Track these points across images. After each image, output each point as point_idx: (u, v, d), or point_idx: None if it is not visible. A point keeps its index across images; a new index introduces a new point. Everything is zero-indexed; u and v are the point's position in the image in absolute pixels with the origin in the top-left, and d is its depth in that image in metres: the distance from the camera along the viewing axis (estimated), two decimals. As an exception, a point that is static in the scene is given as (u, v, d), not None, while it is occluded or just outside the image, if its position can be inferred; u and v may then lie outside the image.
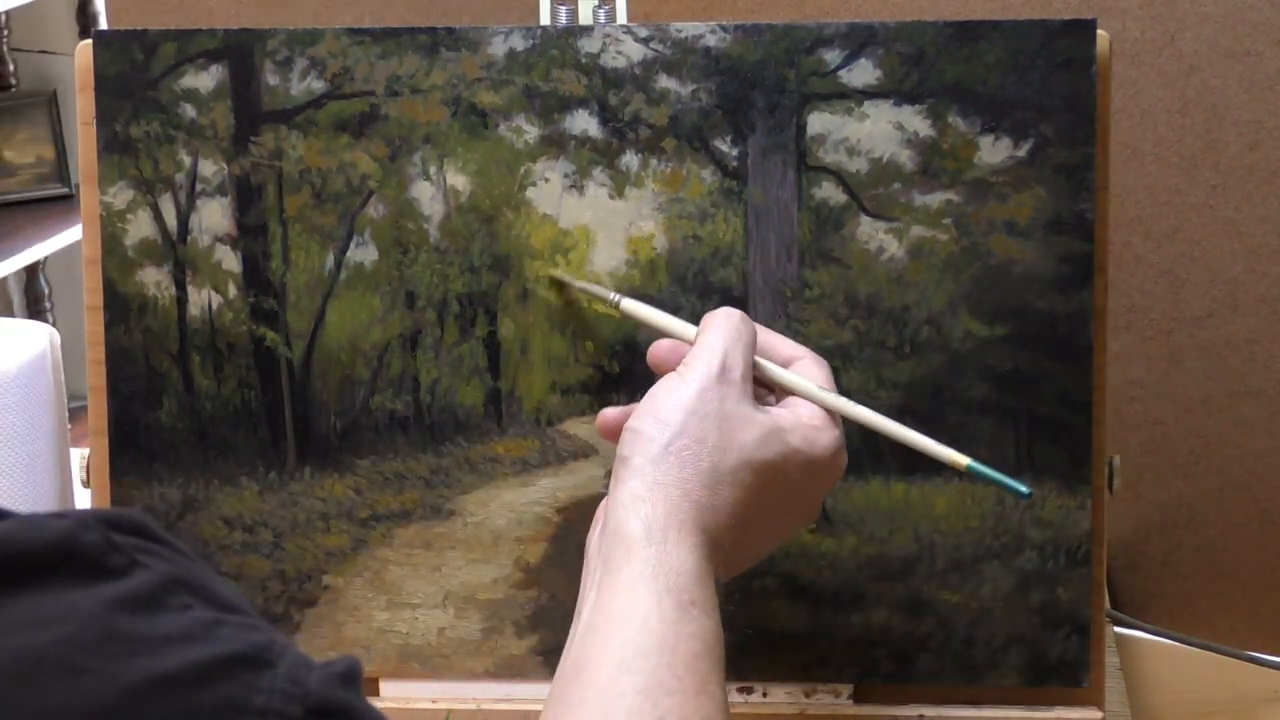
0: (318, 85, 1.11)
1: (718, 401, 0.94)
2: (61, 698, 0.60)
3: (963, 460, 0.96)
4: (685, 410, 0.94)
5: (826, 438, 0.96)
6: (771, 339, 1.01)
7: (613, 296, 1.08)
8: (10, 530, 0.64)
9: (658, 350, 1.01)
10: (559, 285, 1.11)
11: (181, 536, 1.13)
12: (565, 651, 0.92)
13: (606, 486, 0.98)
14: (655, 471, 0.93)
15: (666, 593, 0.89)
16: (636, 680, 0.87)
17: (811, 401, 0.97)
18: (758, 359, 0.99)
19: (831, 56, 1.09)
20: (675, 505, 0.92)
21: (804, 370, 0.99)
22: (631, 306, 1.07)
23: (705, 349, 0.96)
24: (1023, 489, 0.95)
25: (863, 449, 1.10)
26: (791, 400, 0.98)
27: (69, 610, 0.62)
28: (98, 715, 0.60)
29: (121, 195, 1.13)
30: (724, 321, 0.98)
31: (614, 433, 0.98)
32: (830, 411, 0.97)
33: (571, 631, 0.93)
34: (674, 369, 0.97)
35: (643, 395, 0.96)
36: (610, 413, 1.00)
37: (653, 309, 1.06)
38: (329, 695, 0.65)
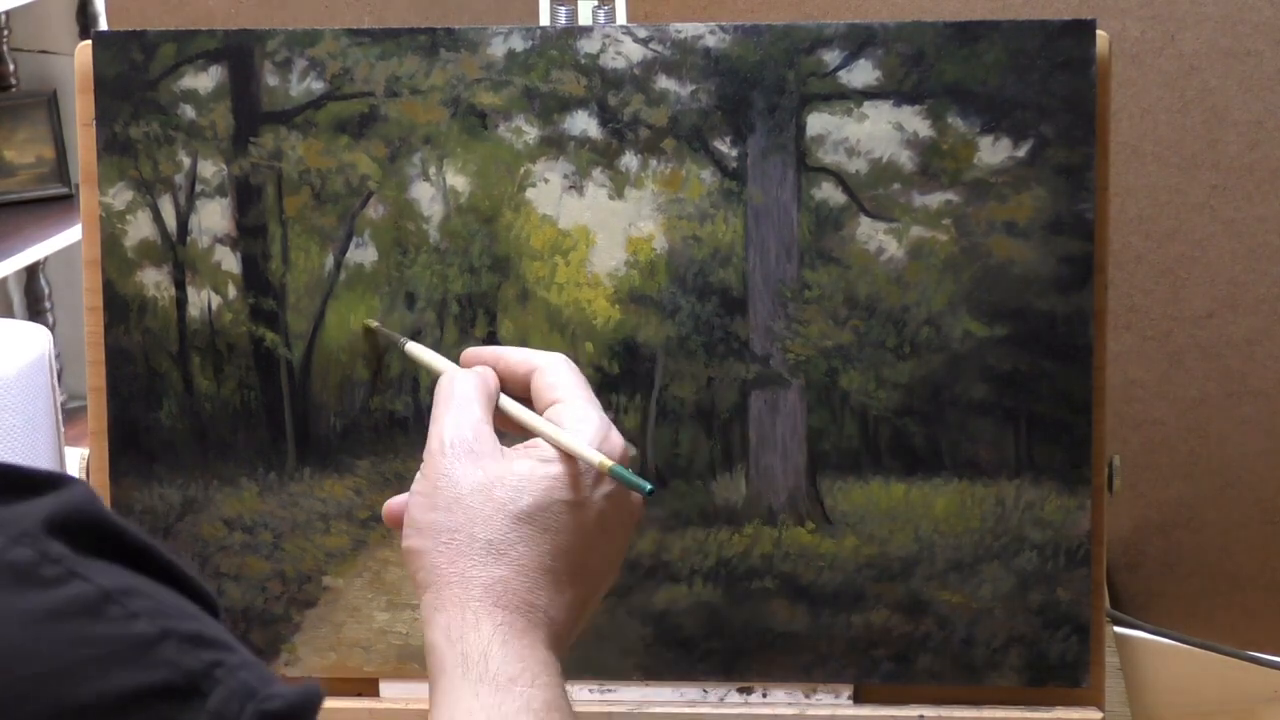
0: (317, 86, 1.11)
1: (452, 483, 0.92)
2: None
3: (607, 463, 0.92)
4: (430, 507, 0.92)
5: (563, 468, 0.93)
6: (507, 357, 0.99)
7: (400, 340, 1.08)
8: None
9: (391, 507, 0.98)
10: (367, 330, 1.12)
11: (181, 537, 1.13)
12: None
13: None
14: (436, 580, 0.91)
15: (479, 682, 0.88)
16: None
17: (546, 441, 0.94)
18: (504, 402, 0.96)
19: (831, 57, 1.09)
20: (463, 601, 0.90)
21: (542, 382, 0.97)
22: (414, 350, 1.07)
23: (429, 434, 0.94)
24: (646, 486, 0.91)
25: (862, 449, 1.10)
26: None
27: None
28: None
29: (121, 196, 1.13)
30: (440, 394, 0.96)
31: (397, 521, 0.96)
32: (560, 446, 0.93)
33: None
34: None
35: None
36: (394, 502, 0.97)
37: (433, 354, 1.05)
38: None
